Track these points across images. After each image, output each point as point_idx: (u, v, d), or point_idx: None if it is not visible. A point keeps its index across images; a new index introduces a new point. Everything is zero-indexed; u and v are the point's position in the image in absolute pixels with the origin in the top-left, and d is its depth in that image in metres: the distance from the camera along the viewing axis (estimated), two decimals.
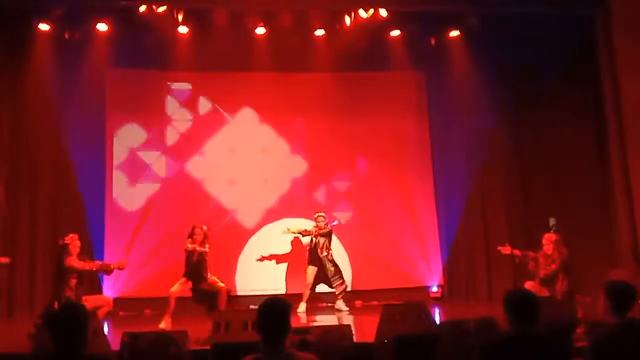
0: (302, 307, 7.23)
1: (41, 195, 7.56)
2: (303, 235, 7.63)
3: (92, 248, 7.37)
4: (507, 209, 8.16)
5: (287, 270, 8.15)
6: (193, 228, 6.51)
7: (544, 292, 5.95)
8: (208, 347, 4.61)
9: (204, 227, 6.59)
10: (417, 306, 5.58)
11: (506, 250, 6.38)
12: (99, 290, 7.25)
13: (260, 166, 8.48)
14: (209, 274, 6.39)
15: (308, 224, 7.66)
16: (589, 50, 7.24)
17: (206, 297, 6.34)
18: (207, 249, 6.41)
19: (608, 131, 7.12)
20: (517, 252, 6.33)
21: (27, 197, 7.49)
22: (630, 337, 2.98)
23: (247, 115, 8.58)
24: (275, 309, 2.51)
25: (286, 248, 8.15)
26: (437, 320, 5.81)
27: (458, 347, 4.16)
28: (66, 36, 7.57)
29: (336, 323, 6.36)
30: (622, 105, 6.88)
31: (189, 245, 6.33)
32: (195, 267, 6.31)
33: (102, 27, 7.48)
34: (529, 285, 6.06)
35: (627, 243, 6.78)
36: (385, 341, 4.61)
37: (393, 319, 4.87)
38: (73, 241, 5.61)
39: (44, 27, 7.32)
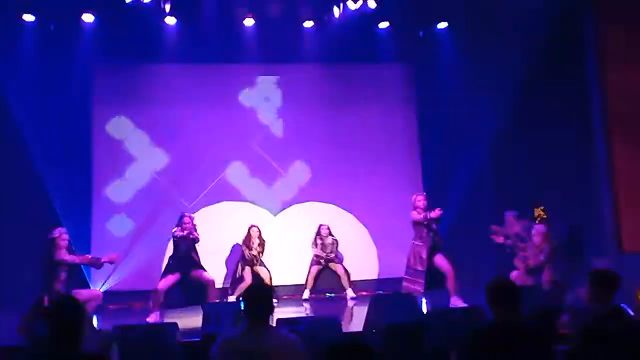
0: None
1: (26, 188, 7.48)
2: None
3: (79, 241, 7.31)
4: (495, 200, 8.24)
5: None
6: (181, 216, 6.54)
7: (530, 282, 6.06)
8: (199, 339, 4.65)
9: (193, 216, 6.64)
10: (405, 296, 5.66)
11: (499, 238, 6.49)
12: (86, 284, 7.23)
13: (249, 159, 8.48)
14: (200, 262, 6.42)
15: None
16: (576, 39, 7.31)
17: (195, 290, 6.37)
18: (198, 236, 6.44)
19: (593, 121, 7.22)
20: (509, 242, 6.45)
21: (11, 190, 7.42)
22: (614, 323, 3.07)
23: (236, 107, 8.56)
24: (260, 292, 2.90)
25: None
26: (425, 310, 5.89)
27: (445, 336, 4.23)
28: (51, 28, 7.47)
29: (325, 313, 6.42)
30: (608, 94, 6.97)
31: (179, 233, 6.34)
32: (184, 256, 6.31)
33: (88, 18, 7.40)
34: (515, 275, 6.17)
35: (610, 231, 6.91)
36: (374, 331, 4.67)
37: (381, 309, 4.93)
38: (61, 234, 5.61)
39: (29, 18, 7.22)
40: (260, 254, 7.57)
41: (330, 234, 7.98)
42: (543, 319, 4.41)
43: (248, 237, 7.58)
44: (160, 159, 8.25)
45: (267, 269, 7.51)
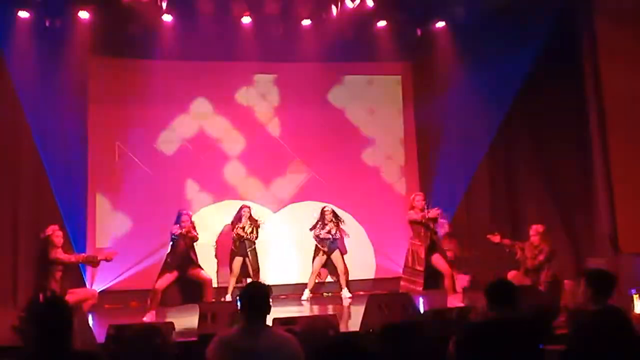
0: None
1: (22, 185, 7.45)
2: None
3: (74, 240, 7.27)
4: (491, 200, 8.26)
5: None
6: (179, 214, 6.50)
7: (527, 282, 6.07)
8: (195, 339, 4.64)
9: (190, 213, 6.62)
10: (402, 296, 5.66)
11: (496, 238, 6.48)
12: (81, 283, 7.19)
13: (245, 157, 8.46)
14: (197, 260, 6.41)
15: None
16: (572, 37, 7.33)
17: (192, 289, 6.35)
18: (196, 235, 6.42)
19: (589, 121, 7.23)
20: (506, 241, 6.45)
21: (7, 187, 7.38)
22: (609, 323, 3.08)
23: (233, 106, 8.54)
24: (257, 291, 2.86)
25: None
26: (421, 309, 5.90)
27: (441, 334, 4.23)
28: (47, 24, 7.43)
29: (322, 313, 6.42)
30: (604, 93, 6.99)
31: (177, 231, 6.32)
32: (183, 254, 6.29)
33: (83, 15, 7.36)
34: (512, 274, 6.18)
35: (606, 232, 6.92)
36: (371, 330, 4.67)
37: (378, 309, 4.94)
38: (54, 232, 5.57)
39: (23, 14, 7.18)
40: (252, 236, 7.52)
41: (334, 217, 7.81)
42: (539, 318, 4.43)
43: (238, 216, 7.61)
44: (156, 157, 8.21)
45: (257, 262, 7.52)
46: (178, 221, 6.43)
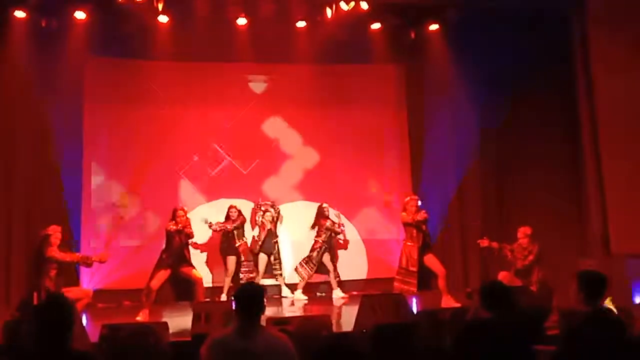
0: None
1: (17, 185, 7.42)
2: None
3: (69, 239, 7.25)
4: (482, 202, 8.30)
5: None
6: (175, 211, 6.51)
7: (517, 283, 6.12)
8: (188, 339, 4.64)
9: (186, 209, 6.64)
10: (395, 296, 5.69)
11: (484, 242, 6.56)
12: (76, 282, 7.18)
13: (241, 158, 8.46)
14: (190, 259, 6.42)
15: None
16: (565, 44, 7.40)
17: (185, 287, 6.35)
18: (192, 232, 6.42)
19: (581, 124, 7.30)
20: (495, 244, 6.53)
21: (2, 186, 7.35)
22: (601, 325, 3.10)
23: (228, 106, 8.54)
24: (251, 292, 2.91)
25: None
26: (415, 310, 5.92)
27: (434, 335, 4.26)
28: (43, 24, 7.41)
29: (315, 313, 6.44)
30: (596, 99, 7.06)
31: (173, 227, 6.32)
32: (177, 251, 6.30)
33: (80, 15, 7.35)
34: (502, 275, 6.23)
35: (598, 233, 6.98)
36: (364, 331, 4.69)
37: (372, 309, 4.96)
38: (55, 232, 5.57)
39: (20, 14, 7.17)
40: (239, 231, 7.50)
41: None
42: (532, 319, 4.46)
43: (227, 216, 7.55)
44: (152, 157, 8.19)
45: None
46: (174, 218, 6.45)
